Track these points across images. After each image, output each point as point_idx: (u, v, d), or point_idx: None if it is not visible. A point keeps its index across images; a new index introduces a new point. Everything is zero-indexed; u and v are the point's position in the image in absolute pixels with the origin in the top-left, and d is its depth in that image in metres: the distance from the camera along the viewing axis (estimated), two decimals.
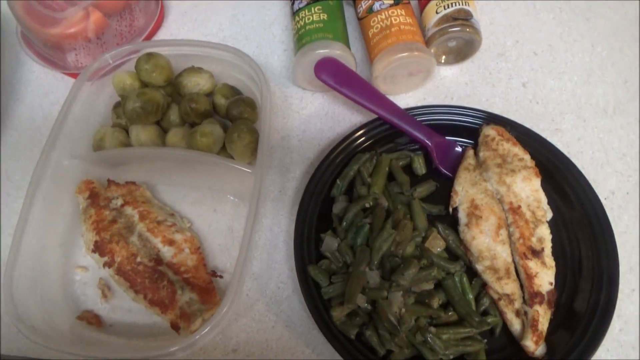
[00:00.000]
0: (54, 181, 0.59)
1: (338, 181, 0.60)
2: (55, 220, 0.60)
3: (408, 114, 0.63)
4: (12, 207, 0.64)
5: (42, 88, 0.74)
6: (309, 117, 0.69)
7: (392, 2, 0.68)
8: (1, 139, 0.69)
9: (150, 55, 0.65)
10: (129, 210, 0.59)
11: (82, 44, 0.71)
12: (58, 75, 0.74)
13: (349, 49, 0.67)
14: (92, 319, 0.56)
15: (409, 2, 0.70)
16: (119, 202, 0.60)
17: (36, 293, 0.55)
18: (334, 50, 0.65)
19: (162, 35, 0.78)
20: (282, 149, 0.67)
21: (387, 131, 0.63)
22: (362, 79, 0.65)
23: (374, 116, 0.64)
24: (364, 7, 0.70)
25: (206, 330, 0.49)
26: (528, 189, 0.56)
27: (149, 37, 0.77)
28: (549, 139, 0.61)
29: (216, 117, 0.66)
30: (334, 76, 0.63)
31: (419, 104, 0.67)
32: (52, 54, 0.72)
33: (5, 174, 0.66)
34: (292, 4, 0.72)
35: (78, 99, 0.63)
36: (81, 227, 0.59)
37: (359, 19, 0.72)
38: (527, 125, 0.62)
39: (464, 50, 0.71)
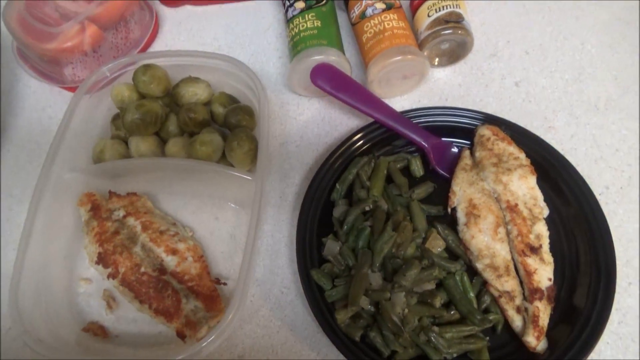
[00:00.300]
0: (56, 195, 0.59)
1: (337, 185, 0.61)
2: (58, 233, 0.60)
3: (404, 116, 0.64)
4: (15, 221, 0.64)
5: (40, 102, 0.74)
6: (306, 123, 0.70)
7: (384, 7, 0.69)
8: (0, 154, 0.70)
9: (147, 67, 0.66)
10: (131, 221, 0.60)
11: (79, 57, 0.71)
12: (55, 89, 0.74)
13: (344, 54, 0.68)
14: (97, 330, 0.56)
15: (400, 7, 0.71)
16: (121, 213, 0.61)
17: (42, 306, 0.55)
18: (329, 56, 0.66)
19: (157, 46, 0.79)
20: (280, 155, 0.67)
21: (384, 134, 0.64)
22: (358, 83, 0.66)
23: (371, 120, 0.64)
24: (357, 12, 0.71)
25: (212, 337, 0.49)
26: (524, 187, 0.57)
27: (144, 49, 0.78)
28: (542, 136, 0.62)
29: (214, 126, 0.66)
30: (330, 81, 0.64)
31: (414, 106, 0.68)
32: (49, 68, 0.73)
33: (6, 189, 0.67)
34: (286, 11, 0.73)
35: (77, 112, 0.64)
36: (84, 240, 0.60)
37: (353, 25, 0.73)
38: (521, 124, 0.63)
39: (456, 52, 0.72)
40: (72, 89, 0.73)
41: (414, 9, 0.73)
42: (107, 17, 0.73)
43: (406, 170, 0.63)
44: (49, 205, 0.58)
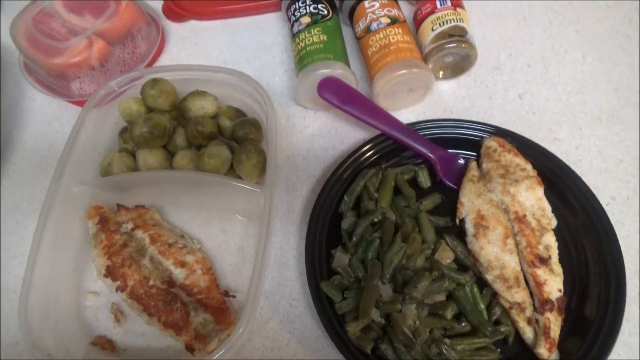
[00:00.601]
0: (64, 208, 0.59)
1: (345, 197, 0.61)
2: (66, 246, 0.60)
3: (411, 128, 0.64)
4: (22, 234, 0.64)
5: (46, 116, 0.74)
6: (313, 136, 0.70)
7: (389, 21, 0.70)
8: (7, 168, 0.70)
9: (155, 81, 0.67)
10: (139, 233, 0.60)
11: (86, 72, 0.72)
12: (62, 104, 0.74)
13: (350, 67, 0.69)
14: (105, 344, 0.56)
15: (405, 21, 0.72)
16: (129, 226, 0.61)
17: (50, 320, 0.55)
18: (335, 70, 0.67)
19: (163, 60, 0.79)
20: (287, 168, 0.68)
21: (391, 146, 0.64)
22: (364, 96, 0.66)
23: (378, 132, 0.65)
24: (361, 27, 0.72)
25: (222, 351, 0.49)
26: (532, 198, 0.57)
27: (151, 63, 0.78)
28: (548, 148, 0.63)
29: (222, 139, 0.67)
30: (337, 95, 0.64)
31: (420, 119, 0.68)
32: (56, 82, 0.73)
33: (14, 202, 0.67)
34: (292, 26, 0.74)
35: (84, 126, 0.64)
36: (92, 253, 0.60)
37: (357, 39, 0.74)
38: (526, 135, 0.64)
39: (460, 65, 0.73)
40: (79, 103, 0.73)
41: (418, 23, 0.74)
42: (115, 32, 0.74)
43: (413, 182, 0.63)
44: (57, 219, 0.58)
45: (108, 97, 0.68)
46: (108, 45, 0.73)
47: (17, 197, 0.67)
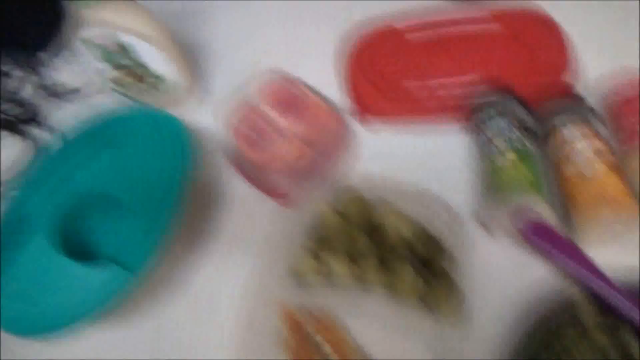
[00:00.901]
0: (258, 304, 0.64)
1: (544, 354, 0.56)
2: (256, 341, 0.63)
3: (627, 290, 0.59)
4: (218, 322, 0.68)
5: (246, 206, 0.80)
6: (502, 270, 0.67)
7: (603, 165, 0.65)
8: (209, 251, 0.76)
9: (348, 189, 0.71)
10: (325, 346, 0.61)
11: (284, 171, 0.77)
12: (259, 196, 0.80)
13: (551, 206, 0.66)
14: None
15: (617, 162, 0.67)
16: (317, 336, 0.62)
17: None
18: (539, 209, 0.63)
19: (353, 166, 0.81)
20: (477, 305, 0.64)
21: (596, 305, 0.59)
22: (579, 249, 0.62)
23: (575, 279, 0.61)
24: (560, 158, 0.69)
25: None
26: None
27: (340, 167, 0.81)
28: None
29: (413, 263, 0.66)
30: (547, 241, 0.62)
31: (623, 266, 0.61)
32: (255, 175, 0.80)
33: (214, 289, 0.72)
34: (484, 146, 0.73)
35: (278, 225, 0.70)
36: (283, 356, 0.62)
37: (557, 169, 0.70)
38: None
39: None
40: (275, 196, 0.78)
41: (627, 155, 0.68)
42: (312, 134, 0.79)
43: (625, 350, 0.57)
44: (253, 314, 0.63)
45: (301, 198, 0.73)
46: (304, 146, 0.78)
47: (216, 285, 0.72)
